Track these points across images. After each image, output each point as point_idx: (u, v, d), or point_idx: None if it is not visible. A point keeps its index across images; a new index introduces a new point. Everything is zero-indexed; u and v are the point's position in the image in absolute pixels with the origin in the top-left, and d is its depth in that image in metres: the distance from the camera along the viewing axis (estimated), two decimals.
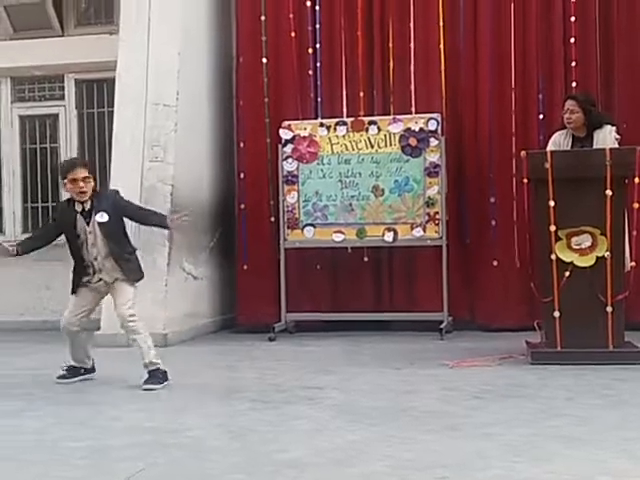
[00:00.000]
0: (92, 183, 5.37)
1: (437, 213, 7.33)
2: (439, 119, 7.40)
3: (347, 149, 7.51)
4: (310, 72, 7.95)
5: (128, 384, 5.48)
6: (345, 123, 7.55)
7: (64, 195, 8.62)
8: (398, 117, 7.49)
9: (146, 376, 5.33)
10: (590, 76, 7.45)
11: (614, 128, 6.03)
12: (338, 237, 7.49)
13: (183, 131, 7.65)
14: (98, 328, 6.97)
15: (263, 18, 7.98)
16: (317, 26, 7.94)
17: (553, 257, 5.68)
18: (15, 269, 8.79)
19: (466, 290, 7.65)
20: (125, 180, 7.59)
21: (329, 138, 7.54)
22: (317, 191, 7.55)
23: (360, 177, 7.47)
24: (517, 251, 7.25)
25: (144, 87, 7.65)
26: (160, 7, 7.73)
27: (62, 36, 8.87)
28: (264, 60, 7.98)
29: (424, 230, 7.34)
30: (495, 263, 7.48)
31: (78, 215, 5.35)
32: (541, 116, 7.50)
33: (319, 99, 7.96)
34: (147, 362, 5.36)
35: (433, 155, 7.36)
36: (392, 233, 7.38)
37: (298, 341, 7.27)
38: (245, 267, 7.95)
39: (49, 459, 3.72)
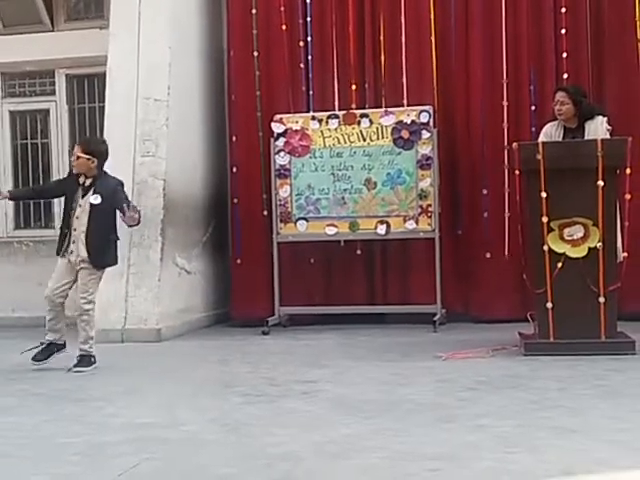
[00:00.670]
0: (85, 162, 5.78)
1: (430, 205, 7.33)
2: (431, 111, 7.40)
3: (339, 142, 7.51)
4: (301, 65, 7.94)
5: (122, 380, 5.49)
6: (337, 116, 7.55)
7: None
8: (390, 110, 7.49)
9: (76, 360, 5.77)
10: (581, 67, 7.46)
11: (605, 119, 6.03)
12: (331, 230, 7.49)
13: (175, 125, 7.63)
14: None
15: (254, 11, 7.97)
16: (308, 19, 7.93)
17: (545, 248, 5.69)
18: (7, 265, 8.80)
19: (459, 282, 7.66)
20: (117, 175, 7.57)
21: (321, 131, 7.54)
22: (309, 184, 7.55)
23: (352, 170, 7.47)
24: (507, 243, 7.27)
25: (135, 81, 7.63)
26: (150, 1, 7.70)
27: (52, 31, 8.85)
28: (255, 53, 7.97)
29: (417, 223, 7.35)
30: (488, 255, 7.49)
31: (79, 188, 5.81)
32: (533, 108, 7.50)
33: (311, 92, 7.95)
34: (82, 347, 5.80)
35: (425, 147, 7.36)
36: (385, 226, 7.39)
37: (292, 335, 7.28)
38: (238, 261, 7.96)
39: (43, 455, 3.72)
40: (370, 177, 7.45)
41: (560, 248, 5.71)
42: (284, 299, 7.64)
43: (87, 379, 5.57)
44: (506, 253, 7.28)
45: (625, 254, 5.83)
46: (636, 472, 3.21)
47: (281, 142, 7.59)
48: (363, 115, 7.49)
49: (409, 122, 7.38)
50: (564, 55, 7.45)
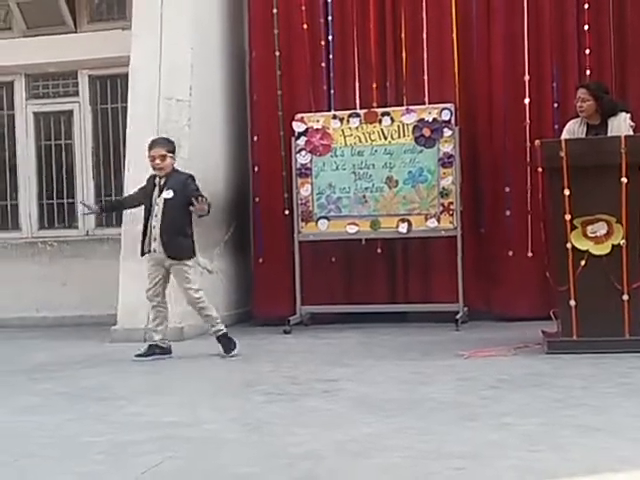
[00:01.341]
0: (172, 160, 6.12)
1: (451, 203, 7.31)
2: (452, 109, 7.38)
3: (360, 141, 7.50)
4: (323, 64, 7.95)
5: (145, 379, 5.51)
6: (358, 115, 7.54)
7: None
8: (411, 108, 7.47)
9: (220, 347, 6.13)
10: (604, 64, 7.41)
11: (629, 115, 6.00)
12: (352, 229, 7.49)
13: (197, 126, 7.66)
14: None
15: (275, 11, 7.98)
16: (329, 18, 7.94)
17: (569, 246, 5.65)
18: (31, 265, 8.87)
19: (481, 280, 7.63)
20: (140, 175, 7.56)
21: (342, 130, 7.54)
22: (330, 183, 7.55)
23: (373, 169, 7.46)
24: (530, 241, 7.23)
25: (157, 82, 7.66)
26: (172, 2, 7.73)
27: (75, 32, 8.91)
28: (277, 53, 7.98)
29: (438, 221, 7.33)
30: (510, 253, 7.46)
31: (156, 187, 6.10)
32: (555, 105, 7.46)
33: (332, 91, 7.95)
34: (216, 330, 6.12)
35: (447, 145, 7.34)
36: (406, 224, 7.37)
37: (313, 334, 7.28)
38: (260, 260, 7.98)
39: (67, 454, 3.74)
40: (391, 175, 7.44)
41: (583, 245, 5.67)
42: (305, 298, 7.64)
43: (111, 377, 5.60)
44: (529, 251, 7.23)
45: None
46: None
47: (302, 141, 7.60)
48: (384, 113, 7.48)
49: (430, 120, 7.36)
50: (587, 52, 7.41)
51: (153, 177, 6.20)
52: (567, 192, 5.64)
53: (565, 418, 3.97)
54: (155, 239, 6.04)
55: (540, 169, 5.94)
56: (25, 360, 6.49)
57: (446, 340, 6.58)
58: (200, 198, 5.91)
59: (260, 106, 8.06)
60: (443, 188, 7.33)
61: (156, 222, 6.04)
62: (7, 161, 9.27)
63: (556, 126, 7.22)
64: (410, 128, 7.40)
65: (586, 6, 7.42)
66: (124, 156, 7.98)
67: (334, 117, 7.59)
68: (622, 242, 5.62)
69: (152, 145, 6.21)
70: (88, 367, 6.04)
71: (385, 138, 7.46)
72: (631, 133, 5.84)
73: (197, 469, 3.44)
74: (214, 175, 7.95)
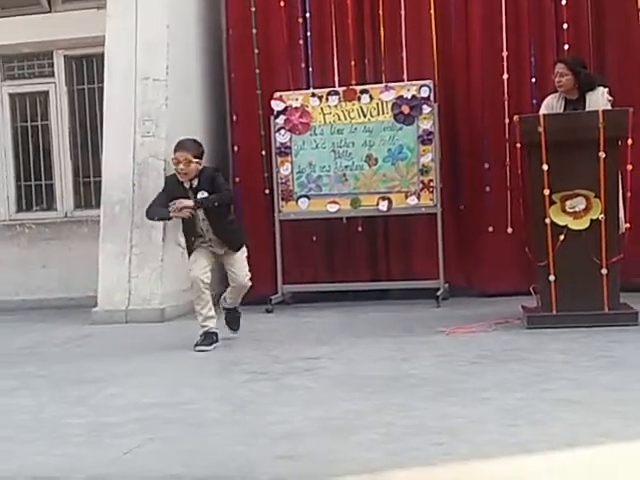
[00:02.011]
0: (196, 166, 5.65)
1: (431, 181, 7.31)
2: (431, 86, 7.36)
3: (339, 119, 7.47)
4: (300, 42, 7.89)
5: (126, 360, 5.50)
6: (337, 93, 7.51)
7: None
8: (390, 85, 7.44)
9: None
10: (582, 38, 7.39)
11: (607, 90, 6.00)
12: (333, 208, 7.48)
13: (174, 105, 7.60)
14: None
15: None
16: None
17: (547, 221, 5.67)
18: (10, 248, 8.81)
19: (462, 257, 7.65)
20: (117, 156, 7.57)
21: (321, 108, 7.50)
22: (310, 162, 7.52)
23: (353, 147, 7.44)
24: (510, 217, 7.24)
25: (133, 61, 7.59)
26: None
27: (49, 12, 8.79)
28: (254, 31, 7.91)
29: (418, 198, 7.32)
30: (490, 229, 7.47)
31: (189, 191, 5.69)
32: (533, 80, 7.45)
33: (310, 69, 7.90)
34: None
35: (426, 122, 7.32)
36: (386, 202, 7.36)
37: (295, 312, 7.28)
38: None
39: (47, 436, 3.73)
40: (371, 153, 7.42)
41: (562, 221, 5.69)
42: (287, 277, 7.64)
43: (91, 360, 5.58)
44: (509, 227, 7.25)
45: (627, 225, 5.82)
46: None
47: (281, 120, 7.56)
48: (363, 91, 7.45)
49: (409, 97, 7.34)
50: (565, 26, 7.38)
51: (177, 178, 5.74)
52: (545, 167, 5.65)
53: (545, 392, 4.00)
54: (211, 240, 5.75)
55: (519, 145, 5.93)
56: (4, 343, 6.46)
57: (427, 317, 6.60)
58: (199, 200, 5.62)
59: (238, 85, 8.00)
60: (423, 165, 7.33)
61: (204, 225, 5.73)
62: None
63: (534, 101, 7.22)
64: (389, 105, 7.37)
65: None
66: (102, 137, 7.92)
67: (313, 95, 7.55)
68: (601, 217, 5.64)
69: (178, 147, 5.77)
70: (68, 349, 6.01)
71: (364, 116, 7.43)
72: (609, 107, 5.84)
73: (180, 449, 3.44)
74: None
